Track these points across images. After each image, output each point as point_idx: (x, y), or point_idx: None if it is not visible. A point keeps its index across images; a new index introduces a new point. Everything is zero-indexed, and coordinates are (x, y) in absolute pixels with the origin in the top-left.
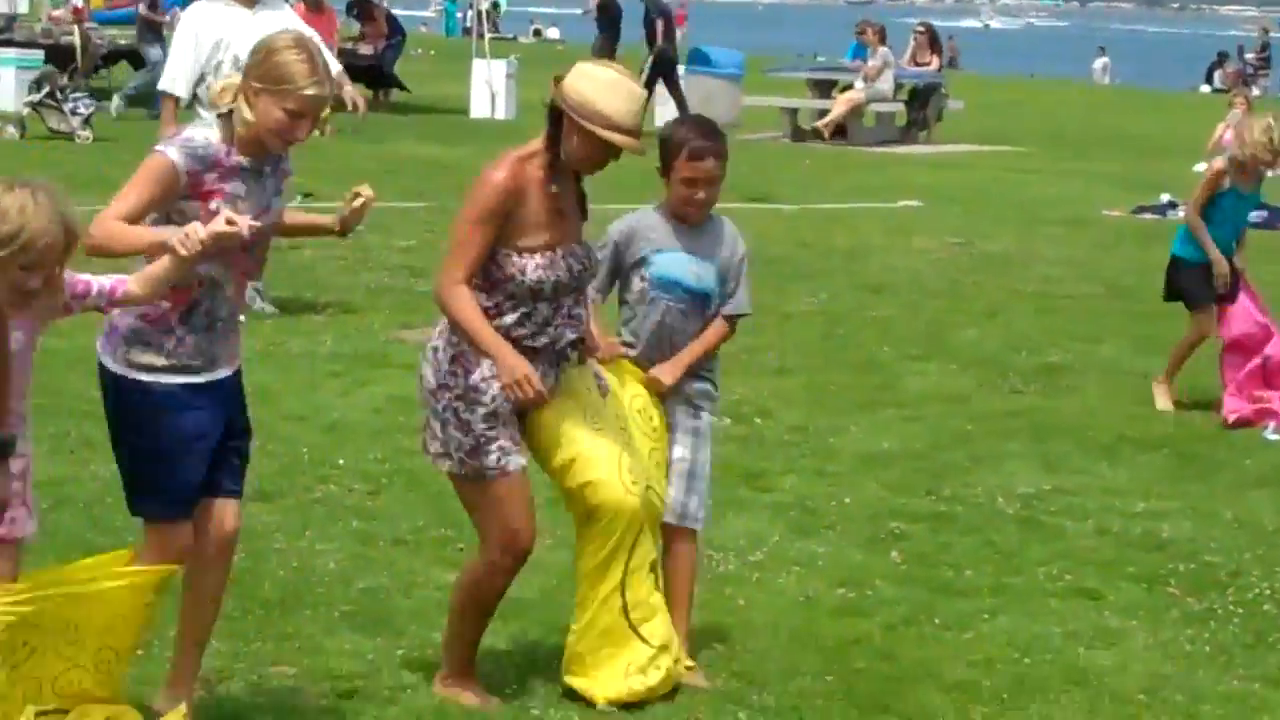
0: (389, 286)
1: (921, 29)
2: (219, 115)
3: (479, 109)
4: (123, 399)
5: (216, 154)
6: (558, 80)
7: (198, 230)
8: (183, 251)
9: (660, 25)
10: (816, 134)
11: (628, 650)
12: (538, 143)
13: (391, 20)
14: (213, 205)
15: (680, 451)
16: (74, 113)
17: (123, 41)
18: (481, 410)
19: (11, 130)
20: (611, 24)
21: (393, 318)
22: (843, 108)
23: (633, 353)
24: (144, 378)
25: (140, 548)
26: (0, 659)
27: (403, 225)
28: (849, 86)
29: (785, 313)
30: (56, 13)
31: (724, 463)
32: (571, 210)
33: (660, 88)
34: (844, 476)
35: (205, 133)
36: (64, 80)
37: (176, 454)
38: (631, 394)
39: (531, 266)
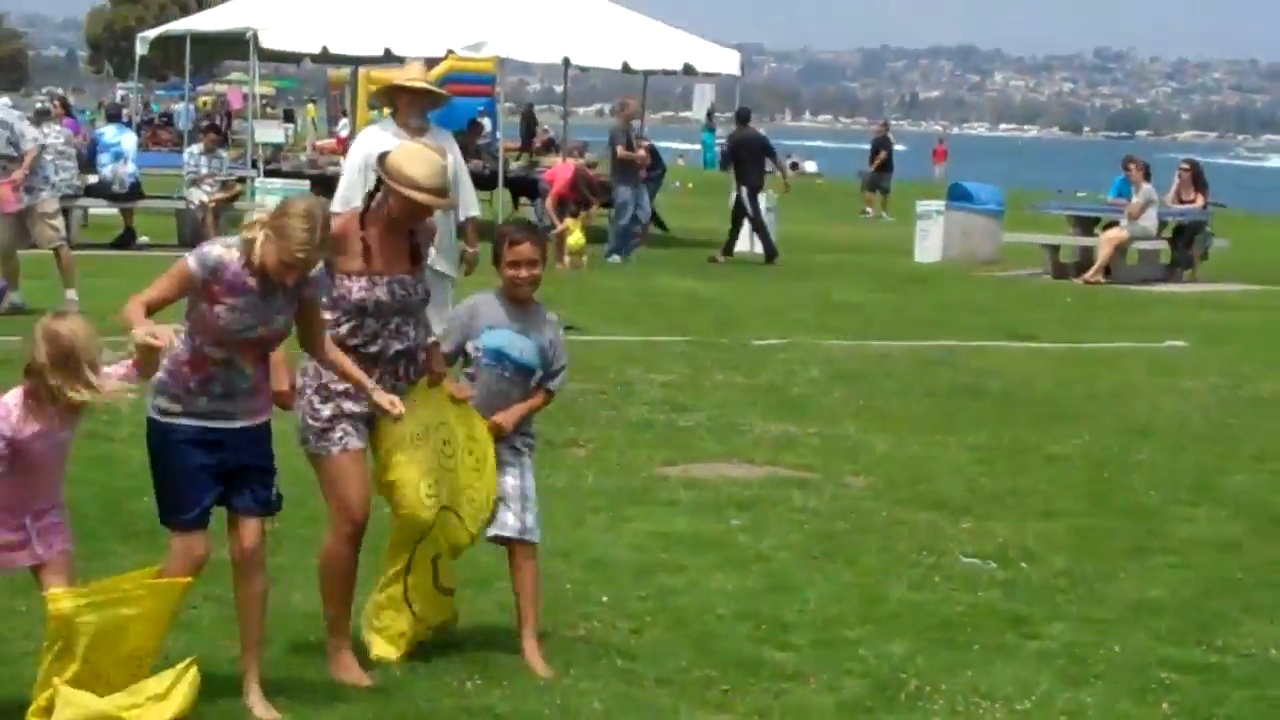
0: (650, 421)
1: (1186, 166)
2: (245, 239)
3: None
4: (150, 434)
5: (229, 269)
6: (381, 158)
7: (138, 335)
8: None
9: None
10: (1079, 271)
11: (400, 620)
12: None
13: (653, 153)
14: (218, 309)
15: (513, 480)
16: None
17: None
18: (330, 403)
19: None
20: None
21: (655, 453)
22: (1107, 249)
23: (474, 399)
24: (163, 420)
25: (166, 558)
26: (53, 658)
27: (663, 359)
28: (1112, 223)
29: (1049, 454)
30: (321, 143)
31: (989, 607)
32: (398, 251)
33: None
34: (1112, 624)
35: (223, 250)
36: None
37: (185, 480)
38: (468, 434)
39: (355, 288)
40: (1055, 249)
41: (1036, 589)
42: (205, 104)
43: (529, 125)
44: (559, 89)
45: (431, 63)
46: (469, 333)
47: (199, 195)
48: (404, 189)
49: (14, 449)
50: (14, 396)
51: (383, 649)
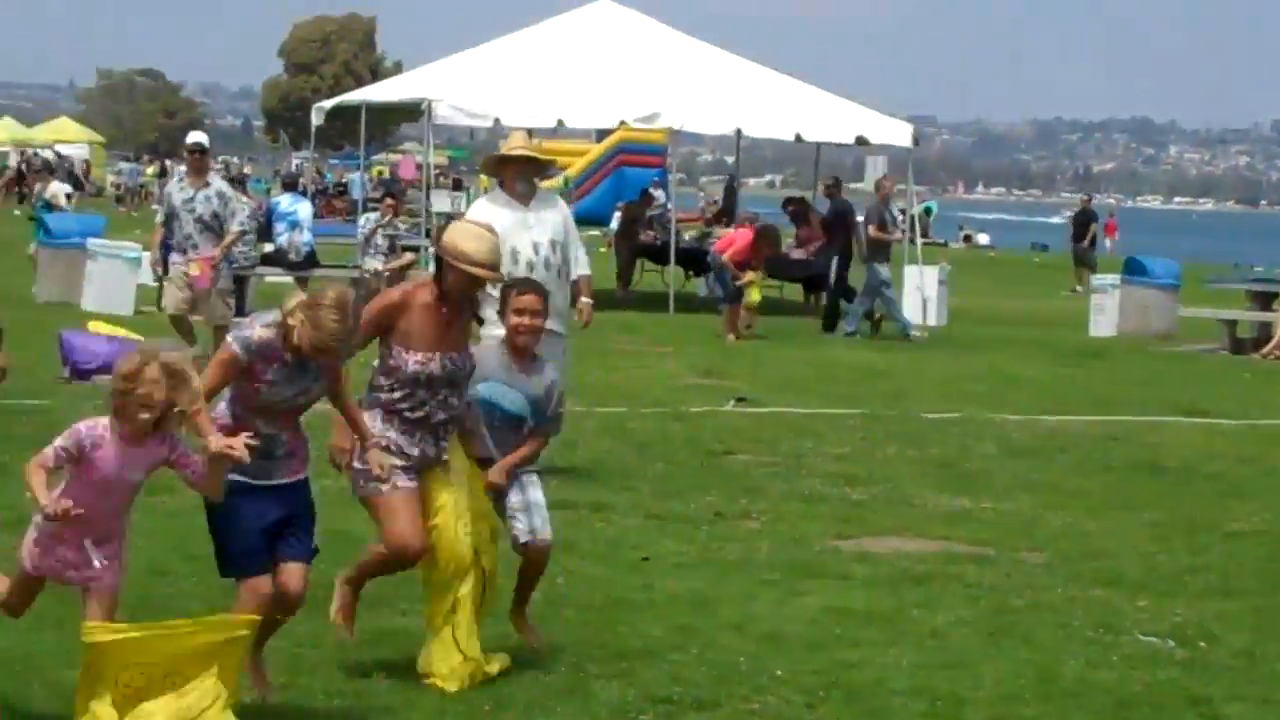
0: (823, 494)
1: None
2: (281, 320)
3: (911, 315)
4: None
5: (269, 349)
6: (438, 234)
7: (212, 446)
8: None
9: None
10: (1257, 346)
11: (453, 658)
12: (429, 276)
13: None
14: (258, 385)
15: (516, 497)
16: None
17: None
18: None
19: None
20: None
21: (828, 526)
22: None
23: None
24: None
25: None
26: (87, 686)
27: (836, 431)
28: None
29: (1227, 532)
30: None
31: (1168, 687)
32: (457, 328)
33: None
34: None
35: (264, 332)
36: None
37: (239, 535)
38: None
39: (411, 361)
40: (1232, 324)
41: (1216, 669)
42: (379, 173)
43: (730, 195)
44: (730, 159)
45: (604, 134)
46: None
47: (374, 264)
48: (460, 264)
49: (84, 461)
50: (105, 426)
51: (451, 685)
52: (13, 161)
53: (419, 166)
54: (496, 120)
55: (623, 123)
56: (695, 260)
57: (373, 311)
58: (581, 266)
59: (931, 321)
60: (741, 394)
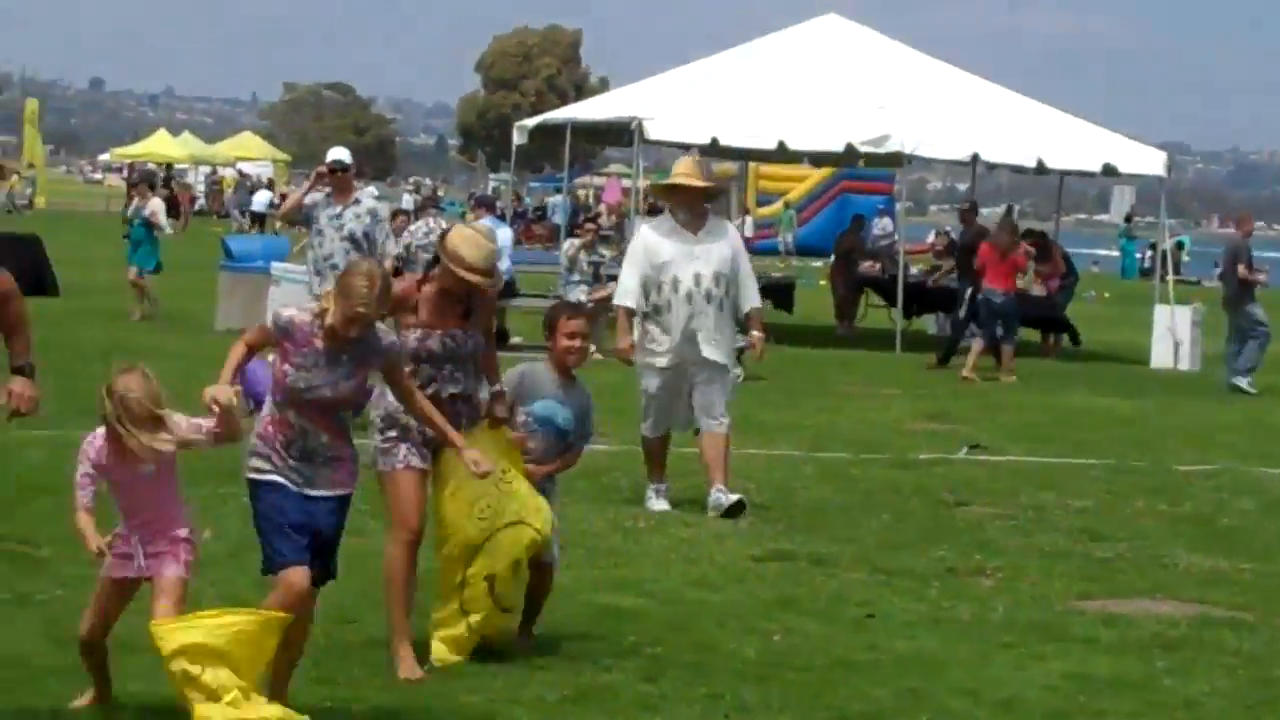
0: (1065, 551)
1: None
2: (319, 306)
3: (1160, 358)
4: (250, 492)
5: (299, 329)
6: (442, 235)
7: (206, 397)
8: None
9: None
10: None
11: (458, 628)
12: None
13: (1066, 259)
14: (286, 368)
15: None
16: (749, 349)
17: (776, 274)
18: (395, 428)
19: None
20: None
21: (1070, 585)
22: None
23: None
24: (256, 477)
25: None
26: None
27: (1078, 483)
28: None
29: None
30: None
31: None
32: (449, 310)
33: None
34: None
35: (296, 311)
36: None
37: (278, 532)
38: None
39: (412, 338)
40: None
41: None
42: (582, 197)
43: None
44: (962, 187)
45: (822, 158)
46: (518, 398)
47: (577, 293)
48: (457, 269)
49: (100, 473)
50: (101, 434)
51: (441, 653)
52: (191, 179)
53: (625, 190)
54: (713, 140)
55: (850, 146)
56: (921, 297)
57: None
58: (752, 300)
59: (1184, 366)
60: (975, 441)
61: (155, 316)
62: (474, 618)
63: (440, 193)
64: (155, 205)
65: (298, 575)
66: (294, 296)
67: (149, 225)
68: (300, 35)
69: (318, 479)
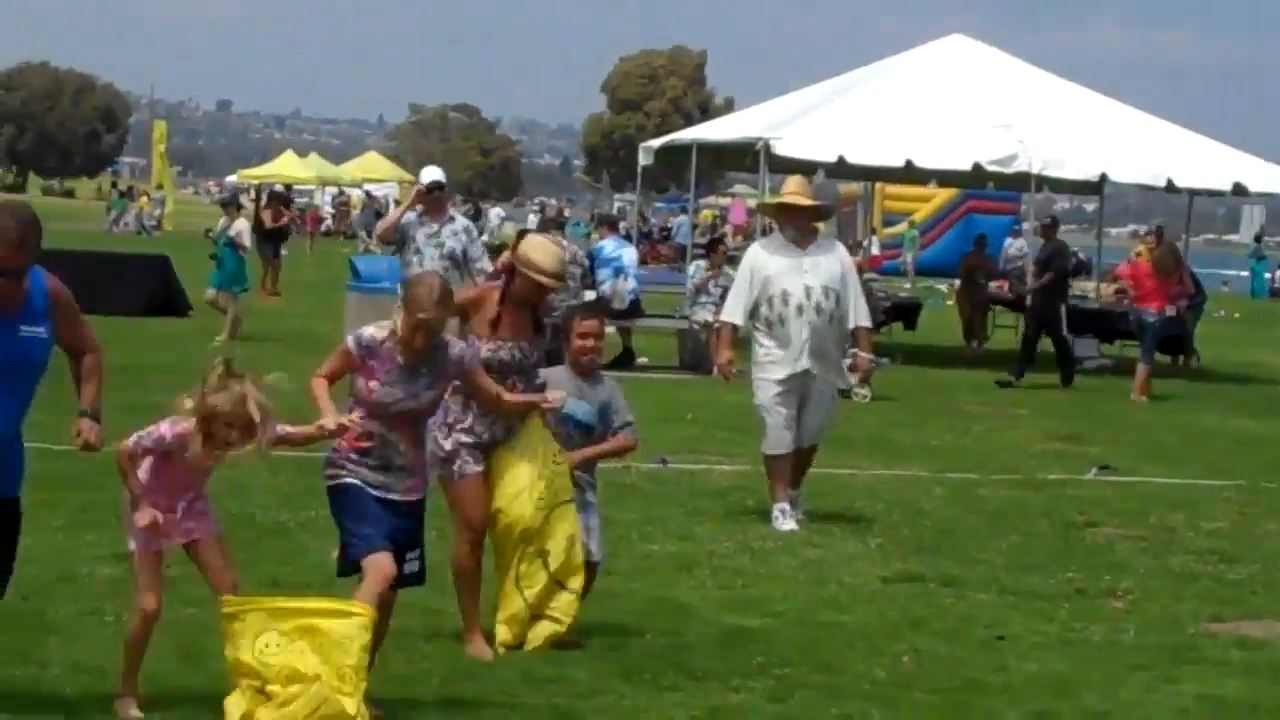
0: (1196, 573)
1: None
2: (393, 325)
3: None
4: (330, 498)
5: (379, 348)
6: (514, 244)
7: (324, 426)
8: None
9: None
10: None
11: (514, 603)
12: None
13: (1194, 279)
14: (371, 384)
15: (582, 519)
16: (852, 369)
17: (904, 294)
18: (450, 438)
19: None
20: None
21: (1201, 608)
22: None
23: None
24: (334, 482)
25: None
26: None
27: (1210, 505)
28: None
29: None
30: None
31: None
32: (522, 324)
33: None
34: None
35: (375, 330)
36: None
37: (361, 520)
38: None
39: (485, 348)
40: None
41: None
42: (707, 217)
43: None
44: (1089, 207)
45: (949, 177)
46: None
47: (703, 315)
48: (529, 272)
49: (167, 455)
50: (188, 424)
51: (504, 635)
52: (318, 200)
53: (750, 211)
54: (840, 159)
55: (976, 166)
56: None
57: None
58: (861, 318)
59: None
60: (1104, 462)
61: (238, 336)
62: (529, 592)
63: (566, 213)
64: (240, 226)
65: (384, 559)
66: None
67: (233, 245)
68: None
69: (392, 487)
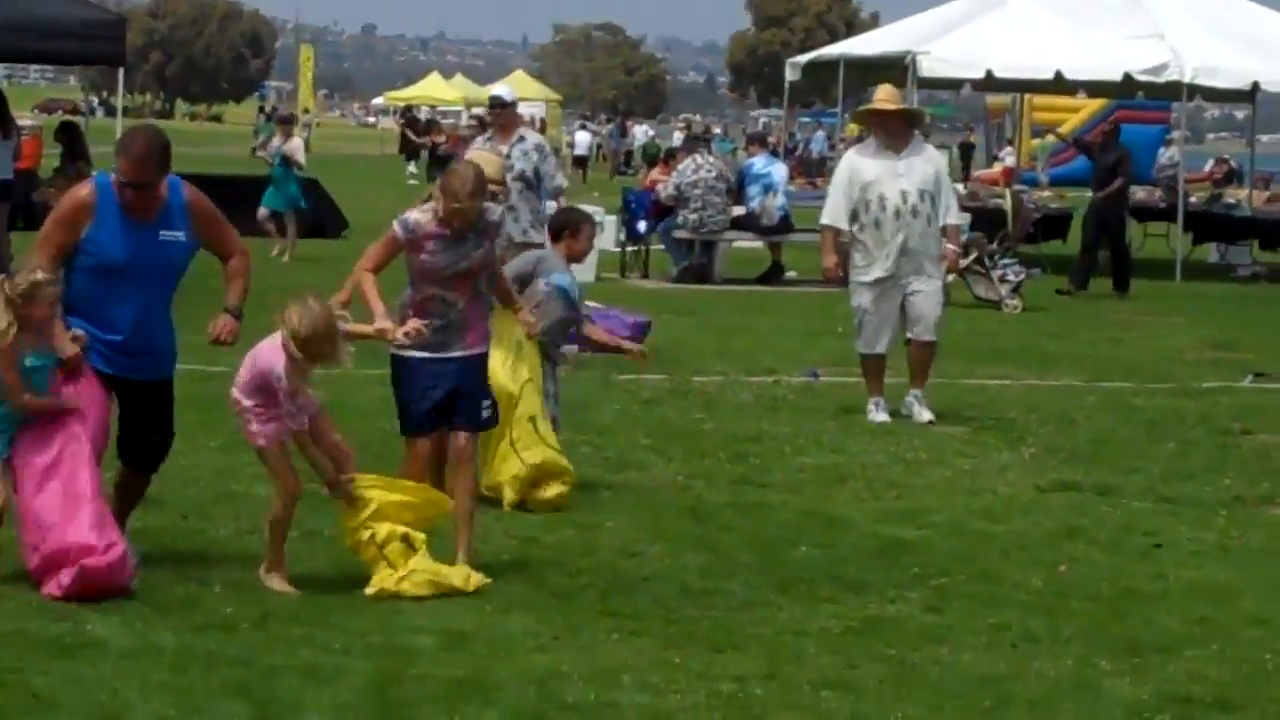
0: None
1: None
2: (432, 204)
3: None
4: (391, 365)
5: (425, 226)
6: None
7: (384, 330)
8: (383, 335)
9: None
10: None
11: (511, 464)
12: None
13: None
14: (424, 256)
15: (549, 387)
16: (1002, 280)
17: (1054, 205)
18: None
19: None
20: None
21: None
22: None
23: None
24: (397, 353)
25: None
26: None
27: None
28: None
29: None
30: (982, 173)
31: None
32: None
33: None
34: None
35: (419, 214)
36: (993, 246)
37: (412, 398)
38: (519, 342)
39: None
40: None
41: None
42: (853, 131)
43: None
44: (1240, 114)
45: (1098, 88)
46: (538, 273)
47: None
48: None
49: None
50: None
51: (508, 494)
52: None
53: None
54: (988, 73)
55: (1127, 75)
56: (1204, 223)
57: None
58: (951, 215)
59: None
60: (1260, 369)
61: (294, 256)
62: (527, 453)
63: (717, 130)
64: (295, 144)
65: (423, 444)
66: None
67: (287, 163)
68: None
69: (452, 343)
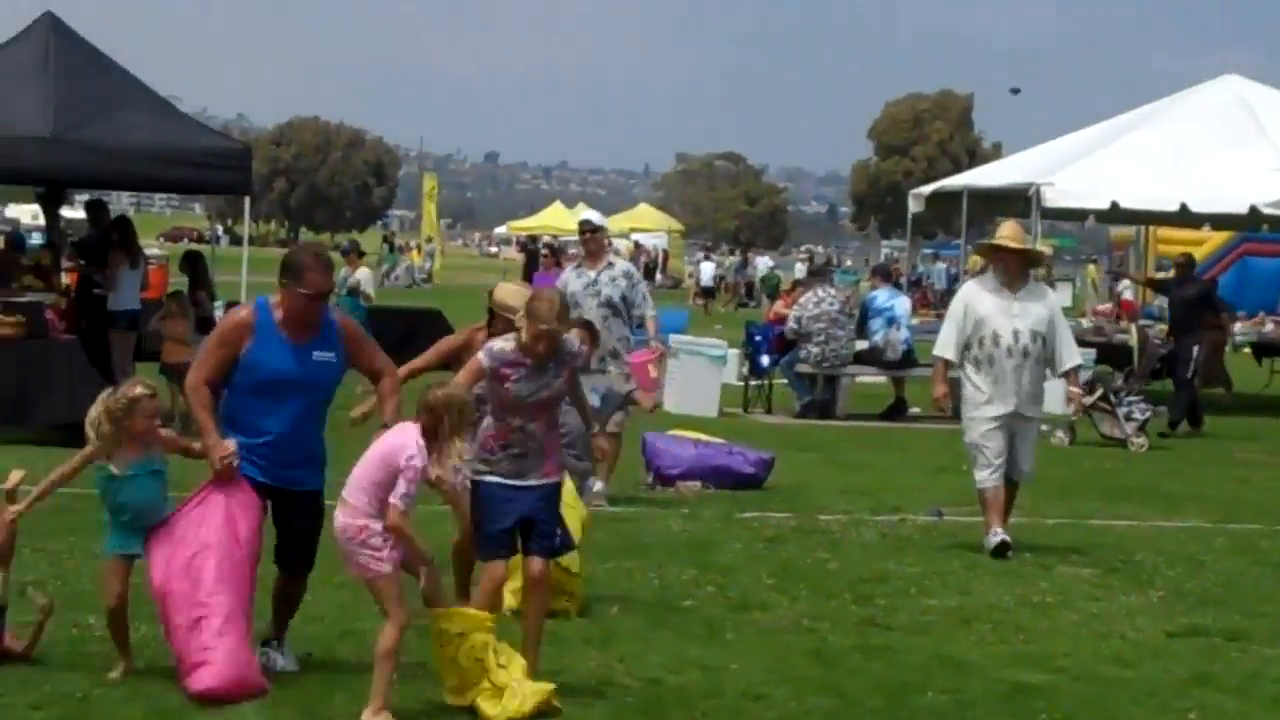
0: None
1: None
2: (516, 334)
3: None
4: (471, 490)
5: (509, 356)
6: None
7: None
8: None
9: None
10: None
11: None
12: None
13: None
14: (507, 385)
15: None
16: (1128, 418)
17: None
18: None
19: (1060, 435)
20: None
21: None
22: None
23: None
24: (476, 478)
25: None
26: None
27: None
28: None
29: None
30: (1101, 307)
31: None
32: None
33: None
34: None
35: (503, 343)
36: (1118, 383)
37: (487, 521)
38: None
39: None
40: None
41: None
42: (976, 264)
43: None
44: None
45: (1223, 221)
46: None
47: None
48: (501, 311)
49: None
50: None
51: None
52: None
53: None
54: (1113, 204)
55: (1253, 208)
56: None
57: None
58: (1070, 359)
59: None
60: None
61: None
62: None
63: (835, 262)
64: (363, 274)
65: (498, 568)
66: (694, 369)
67: (355, 294)
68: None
69: (529, 472)
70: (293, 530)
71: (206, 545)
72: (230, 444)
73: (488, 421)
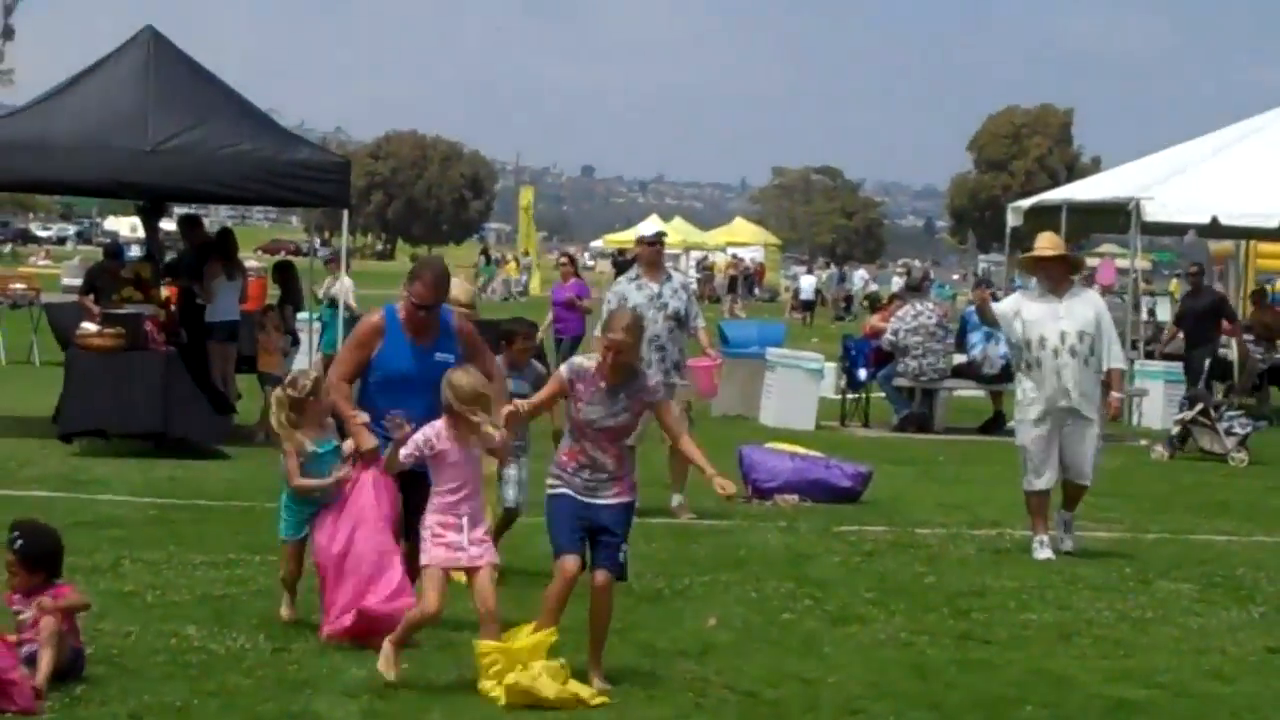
0: None
1: None
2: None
3: None
4: (546, 503)
5: (587, 373)
6: None
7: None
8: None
9: None
10: None
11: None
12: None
13: None
14: (579, 405)
15: (512, 470)
16: (1229, 433)
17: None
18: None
19: (1160, 449)
20: None
21: None
22: None
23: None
24: (551, 491)
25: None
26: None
27: None
28: None
29: None
30: None
31: None
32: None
33: None
34: None
35: (584, 359)
36: (1218, 397)
37: (559, 523)
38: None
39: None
40: None
41: None
42: None
43: None
44: None
45: None
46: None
47: None
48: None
49: (437, 457)
50: (441, 421)
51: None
52: (683, 265)
53: (1120, 270)
54: (1213, 219)
55: None
56: None
57: None
58: (1114, 360)
59: None
60: None
61: None
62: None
63: (932, 276)
64: (345, 284)
65: (570, 561)
66: (791, 382)
67: (334, 305)
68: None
69: (598, 490)
70: (419, 508)
71: (362, 518)
72: (373, 439)
73: (566, 441)
